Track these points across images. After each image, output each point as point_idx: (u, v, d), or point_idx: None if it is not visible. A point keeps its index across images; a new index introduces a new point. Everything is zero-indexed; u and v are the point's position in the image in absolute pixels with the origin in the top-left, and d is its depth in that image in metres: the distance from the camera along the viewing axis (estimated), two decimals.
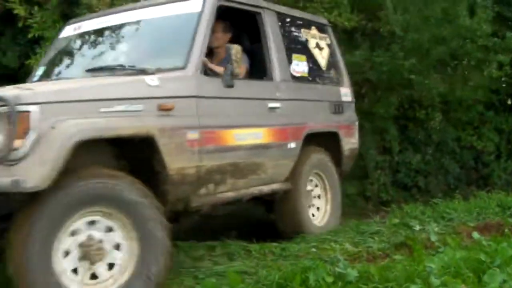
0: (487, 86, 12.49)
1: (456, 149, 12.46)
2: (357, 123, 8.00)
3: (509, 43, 11.14)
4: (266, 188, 6.34)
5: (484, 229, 6.73)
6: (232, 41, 6.36)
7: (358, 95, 11.13)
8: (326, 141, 7.35)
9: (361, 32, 11.18)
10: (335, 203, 7.42)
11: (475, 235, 6.07)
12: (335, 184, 7.45)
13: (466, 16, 10.45)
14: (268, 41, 6.56)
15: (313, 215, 7.12)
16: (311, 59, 7.29)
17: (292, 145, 6.54)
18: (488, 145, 12.72)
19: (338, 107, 7.55)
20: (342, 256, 5.40)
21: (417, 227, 6.81)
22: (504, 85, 13.86)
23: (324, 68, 7.50)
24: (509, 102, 14.45)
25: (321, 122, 7.23)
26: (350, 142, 7.74)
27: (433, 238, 6.10)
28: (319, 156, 7.23)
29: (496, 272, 4.54)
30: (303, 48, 7.20)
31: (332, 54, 7.71)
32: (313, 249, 5.90)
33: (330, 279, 4.48)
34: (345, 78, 7.88)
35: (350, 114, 7.88)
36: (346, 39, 10.74)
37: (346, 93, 7.79)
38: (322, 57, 7.48)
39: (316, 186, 7.28)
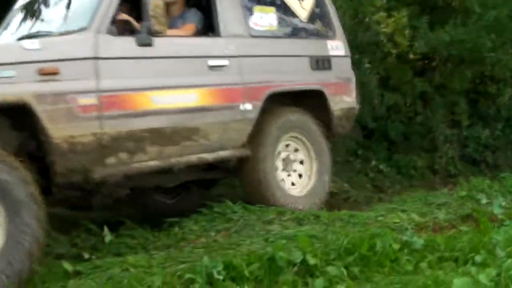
0: None
1: None
2: (353, 79, 7.15)
3: None
4: (209, 156, 5.77)
5: None
6: None
7: (429, 68, 11.22)
8: (309, 100, 6.66)
9: (436, 5, 11.15)
10: (322, 168, 6.68)
11: None
12: (321, 147, 6.66)
13: None
14: None
15: (292, 184, 6.54)
16: (285, 10, 6.59)
17: (248, 106, 5.93)
18: None
19: (323, 62, 6.76)
20: (409, 225, 5.54)
21: (484, 201, 6.81)
22: None
23: (305, 20, 6.75)
24: None
25: (294, 80, 6.49)
26: (342, 101, 6.92)
27: (498, 211, 6.13)
28: (295, 118, 6.50)
29: None
30: None
31: (318, 4, 6.91)
32: (381, 218, 6.00)
33: (396, 246, 4.61)
34: (337, 31, 7.07)
35: (343, 70, 7.04)
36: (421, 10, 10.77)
37: (336, 46, 6.96)
38: (302, 8, 6.72)
39: (297, 150, 6.61)
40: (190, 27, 5.96)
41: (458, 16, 10.40)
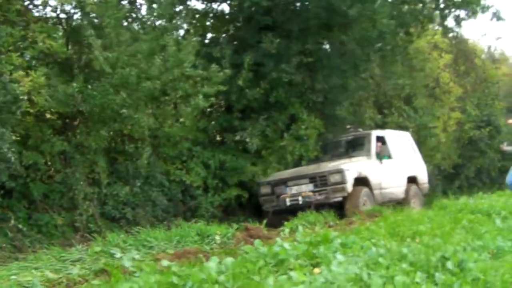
0: (195, 123, 13.37)
1: (165, 182, 12.98)
2: None
3: (213, 75, 12.05)
4: None
5: (182, 255, 7.20)
6: None
7: (70, 127, 11.33)
8: None
9: (76, 64, 11.36)
10: None
11: (164, 262, 6.45)
12: None
13: (174, 46, 11.15)
14: None
15: None
16: None
17: None
18: (196, 179, 13.37)
19: None
20: (42, 282, 5.51)
21: (118, 255, 7.07)
22: (213, 122, 14.91)
23: None
24: (218, 138, 15.55)
25: None
26: None
27: (128, 264, 6.39)
28: None
29: None
30: None
31: None
32: (14, 276, 5.90)
33: None
34: None
35: None
36: (60, 70, 10.90)
37: None
38: None
39: None
40: None
41: (92, 76, 10.77)
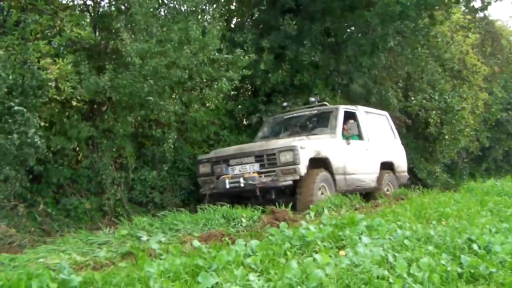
0: (221, 107, 13.41)
1: (192, 166, 13.03)
2: None
3: (238, 59, 12.05)
4: None
5: (208, 238, 7.25)
6: None
7: (98, 113, 11.41)
8: None
9: (103, 51, 11.42)
10: None
11: (195, 243, 6.52)
12: None
13: (198, 30, 11.13)
14: None
15: None
16: None
17: None
18: None
19: None
20: (70, 265, 5.59)
21: (145, 238, 7.15)
22: (239, 106, 14.93)
23: None
24: (245, 122, 15.57)
25: None
26: None
27: (155, 246, 6.46)
28: None
29: (208, 274, 5.02)
30: None
31: None
32: (42, 259, 5.99)
33: (54, 285, 4.66)
34: None
35: None
36: (88, 56, 10.96)
37: None
38: None
39: None
40: None
41: (120, 62, 10.80)
